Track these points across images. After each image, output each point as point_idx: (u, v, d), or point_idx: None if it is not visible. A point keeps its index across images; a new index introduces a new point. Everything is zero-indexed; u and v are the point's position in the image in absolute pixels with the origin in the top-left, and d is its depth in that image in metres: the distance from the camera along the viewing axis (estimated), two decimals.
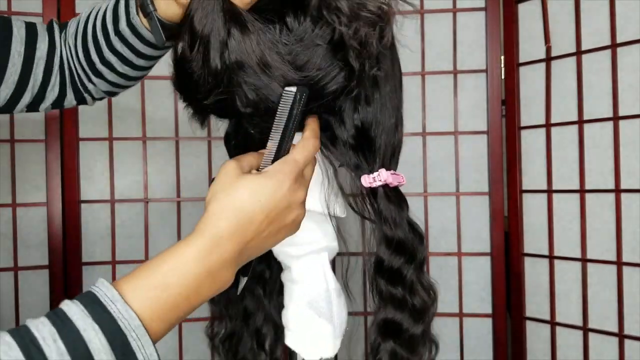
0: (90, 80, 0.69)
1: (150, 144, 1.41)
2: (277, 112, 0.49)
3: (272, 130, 0.50)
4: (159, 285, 0.43)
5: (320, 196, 0.59)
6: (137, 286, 0.43)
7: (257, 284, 0.68)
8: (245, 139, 0.58)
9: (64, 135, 1.36)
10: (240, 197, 0.47)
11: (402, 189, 0.59)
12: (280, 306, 0.66)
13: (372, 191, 0.57)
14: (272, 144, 0.51)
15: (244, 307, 0.68)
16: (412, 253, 0.57)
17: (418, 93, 1.43)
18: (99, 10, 0.65)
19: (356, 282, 0.62)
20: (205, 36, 0.48)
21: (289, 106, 0.49)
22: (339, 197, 0.59)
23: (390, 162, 0.58)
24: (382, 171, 0.56)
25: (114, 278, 1.37)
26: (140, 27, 0.61)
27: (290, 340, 0.60)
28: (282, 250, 0.60)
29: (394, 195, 0.57)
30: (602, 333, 1.26)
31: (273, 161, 0.51)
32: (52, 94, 0.69)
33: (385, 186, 0.57)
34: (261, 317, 0.68)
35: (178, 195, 1.42)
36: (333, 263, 0.63)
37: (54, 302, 1.32)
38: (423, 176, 1.43)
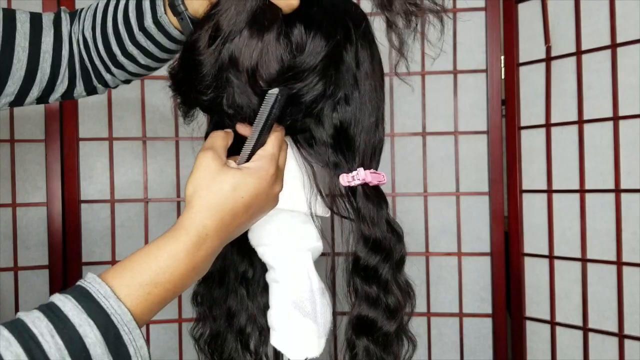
0: (109, 71, 0.68)
1: (150, 144, 1.41)
2: (259, 111, 0.51)
3: (253, 127, 0.52)
4: (150, 283, 0.46)
5: (303, 196, 0.59)
6: (129, 283, 0.45)
7: (241, 284, 0.68)
8: None
9: (64, 135, 1.36)
10: (224, 194, 0.49)
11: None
12: (264, 306, 0.66)
13: (351, 190, 0.57)
14: (250, 139, 0.52)
15: (228, 307, 0.68)
16: (388, 252, 0.58)
17: (418, 93, 1.43)
18: (118, 1, 0.64)
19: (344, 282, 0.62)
20: (228, 34, 0.49)
21: (270, 106, 0.51)
22: (319, 197, 0.59)
23: (371, 161, 0.59)
24: (360, 170, 0.57)
25: None
26: (167, 26, 0.60)
27: (275, 340, 0.61)
28: (266, 251, 0.60)
29: (373, 194, 0.58)
30: (602, 333, 1.26)
31: (250, 154, 0.53)
32: (61, 86, 0.69)
33: (365, 185, 0.57)
34: (245, 318, 0.68)
35: (178, 195, 1.42)
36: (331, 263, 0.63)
37: None
38: (423, 176, 1.43)
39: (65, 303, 0.42)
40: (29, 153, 1.35)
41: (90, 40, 0.67)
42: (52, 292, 1.33)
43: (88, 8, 0.68)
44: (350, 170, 0.57)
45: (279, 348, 0.60)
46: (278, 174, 0.54)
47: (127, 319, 0.43)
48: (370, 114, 0.57)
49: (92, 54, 0.67)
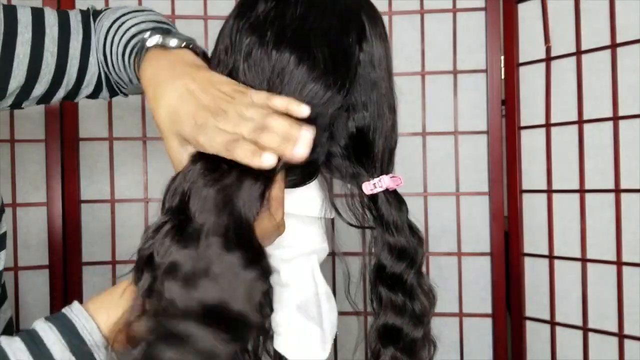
0: (125, 84, 0.69)
1: (150, 144, 1.41)
2: None
3: None
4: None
5: (319, 202, 0.57)
6: (113, 314, 0.44)
7: None
8: None
9: (64, 135, 1.36)
10: None
11: (402, 190, 0.58)
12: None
13: (372, 197, 0.56)
14: None
15: None
16: (413, 258, 0.57)
17: (418, 93, 1.43)
18: (120, 40, 0.62)
19: (355, 283, 0.61)
20: None
21: None
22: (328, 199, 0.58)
23: (388, 165, 0.57)
24: (384, 177, 0.55)
25: (114, 278, 1.38)
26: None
27: (279, 344, 0.59)
28: (271, 254, 0.57)
29: (394, 198, 0.56)
30: (602, 333, 1.25)
31: None
32: (86, 90, 0.69)
33: (385, 191, 0.55)
34: None
35: None
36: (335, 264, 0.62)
37: (54, 302, 1.32)
38: (423, 176, 1.43)
39: (49, 335, 0.42)
40: (29, 153, 1.35)
41: (102, 58, 0.67)
42: (52, 292, 1.33)
43: (101, 28, 0.66)
44: (371, 177, 0.55)
45: (282, 352, 0.59)
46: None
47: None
48: (388, 116, 0.56)
49: (110, 68, 0.67)
